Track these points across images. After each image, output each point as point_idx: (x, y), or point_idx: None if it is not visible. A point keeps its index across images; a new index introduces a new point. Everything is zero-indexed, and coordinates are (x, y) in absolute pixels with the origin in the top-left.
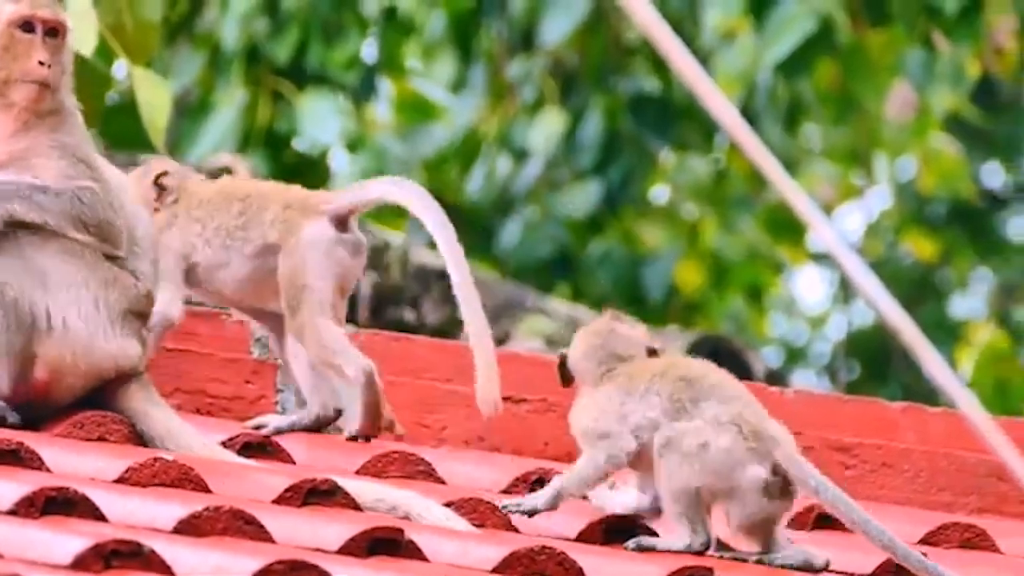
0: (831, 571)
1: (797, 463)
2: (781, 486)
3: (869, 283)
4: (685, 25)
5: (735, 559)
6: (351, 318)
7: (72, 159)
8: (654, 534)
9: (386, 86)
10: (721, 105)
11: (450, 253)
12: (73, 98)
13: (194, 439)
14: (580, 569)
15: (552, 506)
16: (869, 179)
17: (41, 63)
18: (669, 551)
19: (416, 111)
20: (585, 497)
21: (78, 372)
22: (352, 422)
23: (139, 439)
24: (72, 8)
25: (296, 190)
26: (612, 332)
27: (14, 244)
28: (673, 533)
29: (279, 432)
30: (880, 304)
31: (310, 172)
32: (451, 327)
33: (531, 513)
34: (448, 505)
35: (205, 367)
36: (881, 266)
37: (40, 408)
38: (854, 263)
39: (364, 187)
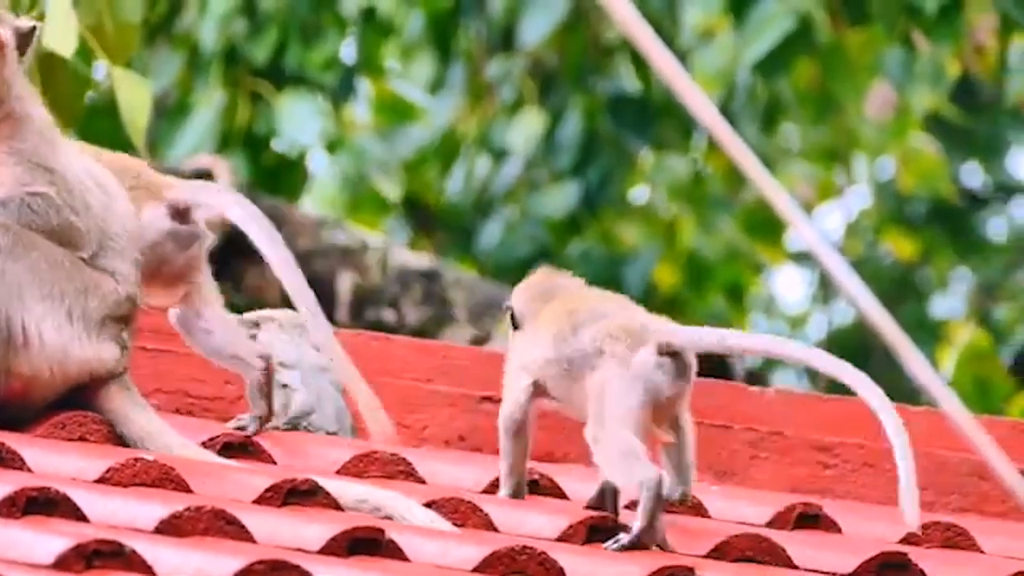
0: (815, 571)
1: (679, 333)
2: (674, 365)
3: (850, 282)
4: (664, 24)
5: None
6: (331, 318)
7: (28, 165)
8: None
9: (365, 87)
10: (701, 104)
11: (284, 273)
12: (30, 101)
13: (174, 440)
14: (561, 569)
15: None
16: (848, 179)
17: None
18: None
19: (395, 112)
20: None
21: (53, 382)
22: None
23: (120, 440)
24: (52, 9)
25: (149, 171)
26: (547, 279)
27: None
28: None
29: (258, 432)
30: (861, 303)
31: (289, 173)
32: (431, 327)
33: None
34: (429, 505)
35: (185, 367)
36: (861, 265)
37: (16, 411)
38: (835, 262)
39: (200, 188)
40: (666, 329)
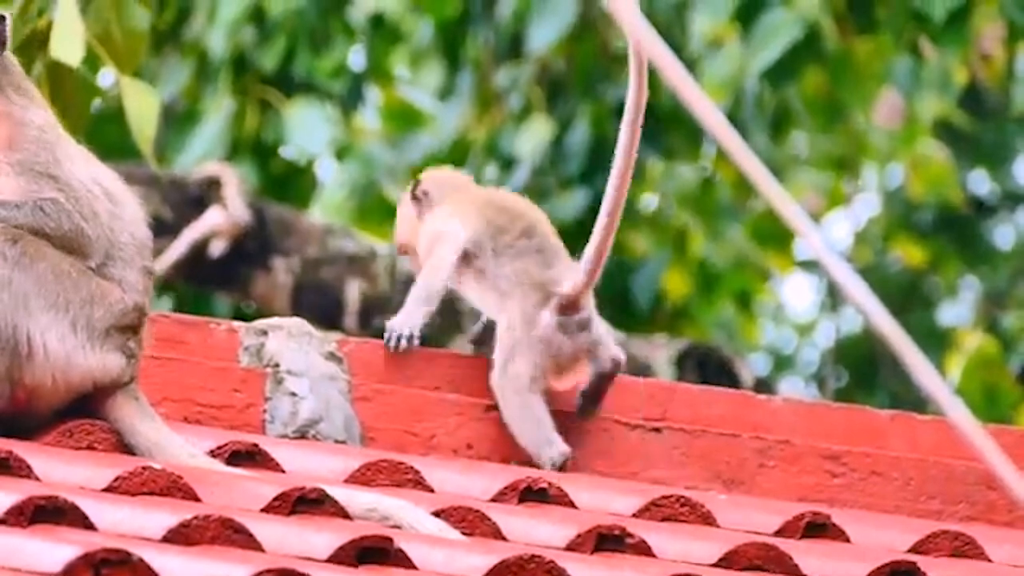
0: None
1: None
2: (574, 321)
3: (858, 290)
4: (672, 32)
5: None
6: (339, 326)
7: (31, 174)
8: (644, 546)
9: (373, 94)
10: (708, 112)
11: None
12: (26, 103)
13: (182, 451)
14: None
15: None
16: (857, 186)
17: None
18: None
19: (403, 119)
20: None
21: (57, 391)
22: None
23: (128, 448)
24: (59, 17)
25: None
26: (461, 176)
27: (0, 264)
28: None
29: None
30: (869, 311)
31: (298, 181)
32: (439, 336)
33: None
34: (437, 514)
35: (193, 375)
36: (869, 273)
37: (22, 420)
38: (842, 270)
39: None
40: (565, 284)
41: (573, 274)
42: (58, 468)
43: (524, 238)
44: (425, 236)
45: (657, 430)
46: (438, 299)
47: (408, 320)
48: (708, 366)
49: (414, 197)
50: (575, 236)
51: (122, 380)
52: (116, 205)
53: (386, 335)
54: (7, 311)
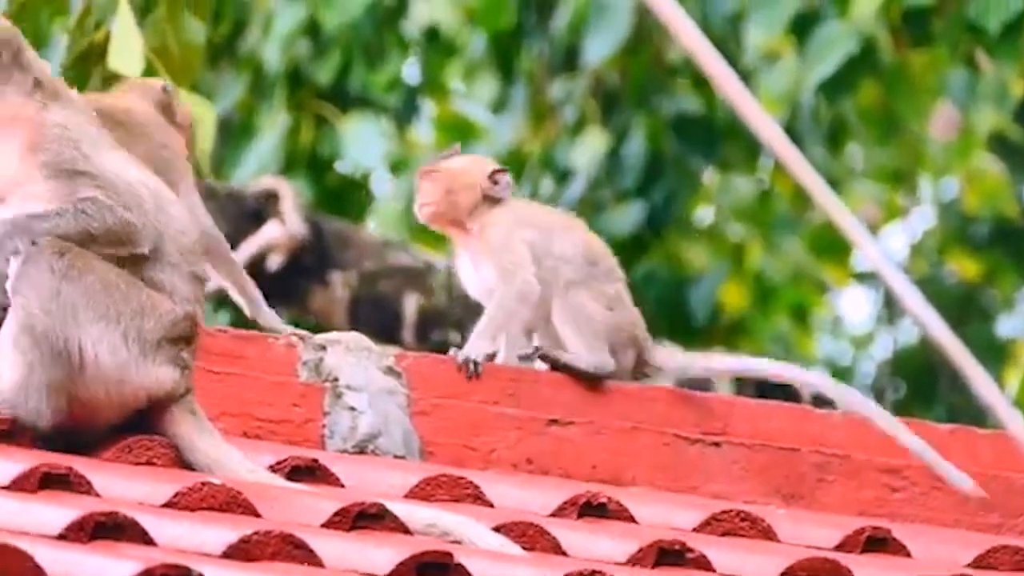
0: None
1: None
2: None
3: (916, 302)
4: (728, 45)
5: None
6: (397, 339)
7: (63, 175)
8: (704, 560)
9: (428, 107)
10: (765, 125)
11: None
12: (48, 107)
13: (241, 467)
14: None
15: None
16: (913, 199)
17: None
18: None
19: (458, 132)
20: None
21: (111, 405)
22: None
23: (187, 464)
24: (117, 30)
25: None
26: None
27: (48, 277)
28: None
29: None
30: (927, 323)
31: (353, 194)
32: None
33: None
34: (497, 529)
35: (252, 390)
36: (925, 285)
37: (79, 435)
38: (900, 282)
39: None
40: None
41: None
42: (118, 484)
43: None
44: (494, 232)
45: (717, 444)
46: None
47: (478, 346)
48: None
49: (494, 181)
50: (631, 249)
51: (177, 393)
52: (161, 201)
53: (459, 359)
54: (57, 323)
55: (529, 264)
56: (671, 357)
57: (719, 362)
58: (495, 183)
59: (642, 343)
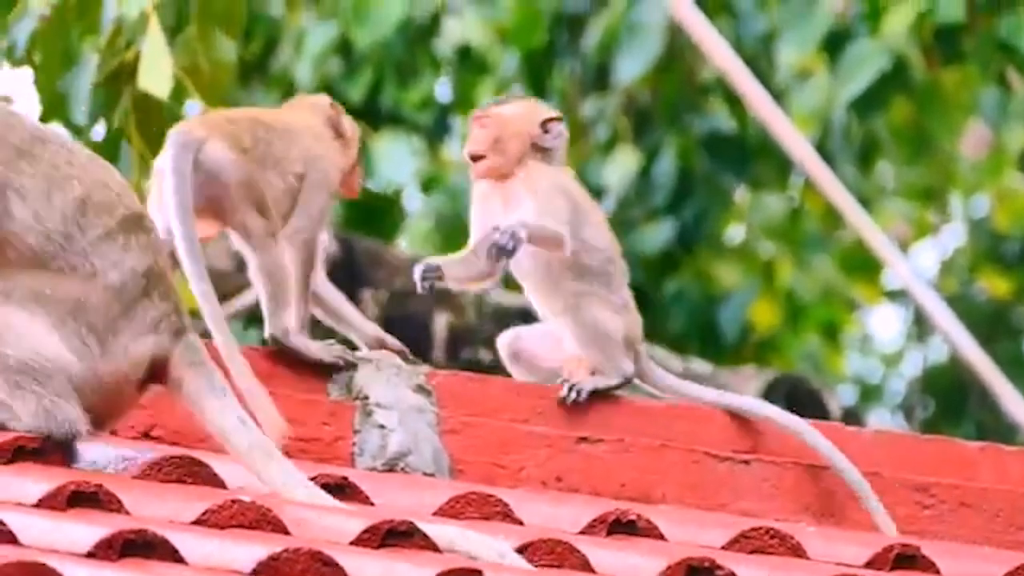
0: None
1: None
2: None
3: (946, 319)
4: (760, 64)
5: None
6: (427, 358)
7: None
8: None
9: (460, 125)
10: (797, 143)
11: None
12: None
13: (244, 438)
14: None
15: None
16: (944, 216)
17: None
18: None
19: None
20: None
21: (115, 405)
22: None
23: (217, 480)
24: (147, 49)
25: None
26: None
27: None
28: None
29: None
30: (957, 341)
31: (385, 212)
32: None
33: None
34: (526, 547)
35: (282, 408)
36: (955, 303)
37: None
38: (931, 300)
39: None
40: None
41: None
42: (147, 501)
43: None
44: (540, 181)
45: (746, 462)
46: None
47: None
48: (796, 397)
49: (545, 130)
50: (662, 267)
51: (165, 355)
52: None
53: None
54: (14, 352)
55: (565, 224)
56: (663, 378)
57: (702, 392)
58: (546, 131)
59: (638, 350)
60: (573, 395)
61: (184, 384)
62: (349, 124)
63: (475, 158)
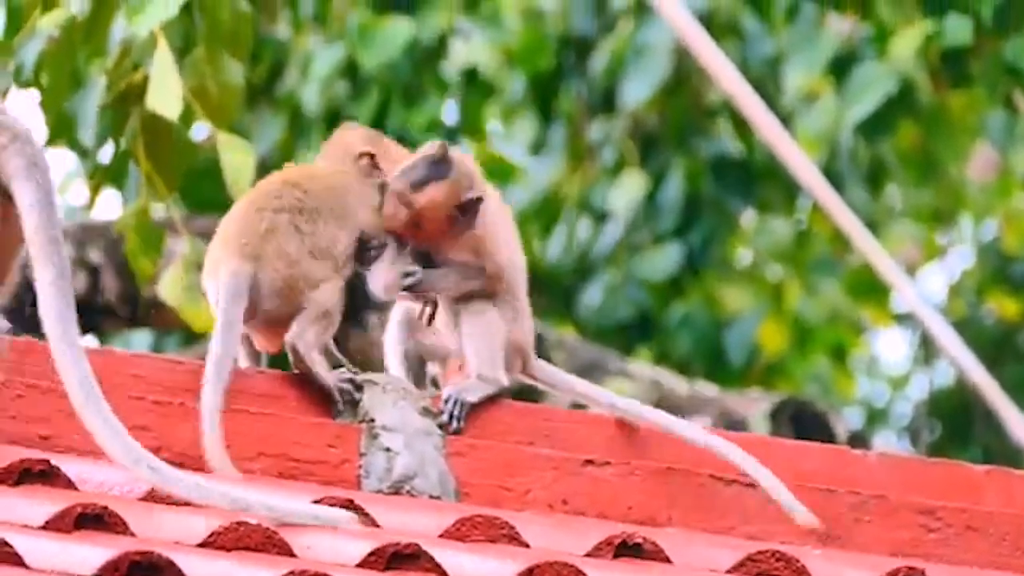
0: None
1: None
2: None
3: (953, 342)
4: (767, 87)
5: None
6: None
7: None
8: None
9: (466, 149)
10: (804, 166)
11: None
12: None
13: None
14: None
15: None
16: (953, 239)
17: None
18: None
19: (496, 173)
20: None
21: None
22: None
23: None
24: (156, 71)
25: None
26: None
27: None
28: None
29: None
30: (964, 364)
31: None
32: (534, 390)
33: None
34: (532, 570)
35: (288, 431)
36: (963, 326)
37: None
38: (938, 322)
39: None
40: None
41: None
42: (153, 523)
43: None
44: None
45: (753, 485)
46: None
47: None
48: (803, 420)
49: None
50: (669, 291)
51: None
52: None
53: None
54: None
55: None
56: (553, 376)
57: (589, 389)
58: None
59: (528, 355)
60: (454, 425)
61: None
62: (394, 151)
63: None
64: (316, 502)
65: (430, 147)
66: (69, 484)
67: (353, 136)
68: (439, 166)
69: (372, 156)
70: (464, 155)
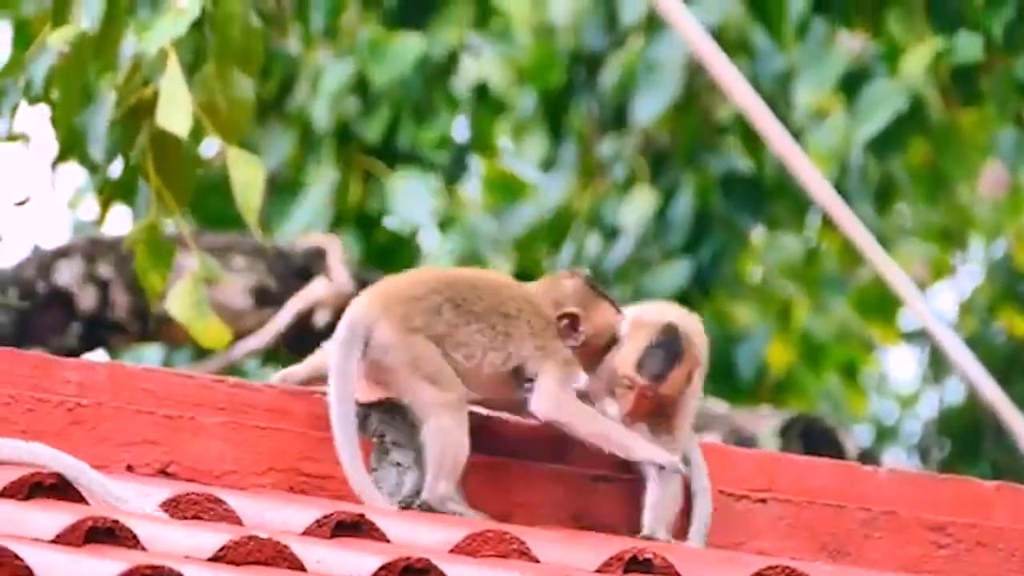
0: None
1: None
2: None
3: (964, 359)
4: (776, 103)
5: None
6: None
7: None
8: None
9: (477, 165)
10: (816, 182)
11: None
12: None
13: None
14: None
15: None
16: (963, 257)
17: None
18: None
19: (506, 190)
20: None
21: None
22: None
23: (233, 517)
24: (165, 87)
25: None
26: None
27: None
28: None
29: None
30: (975, 380)
31: (401, 251)
32: None
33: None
34: None
35: (298, 445)
36: (974, 343)
37: None
38: (949, 339)
39: None
40: None
41: None
42: (164, 537)
43: None
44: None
45: (763, 501)
46: None
47: None
48: (812, 437)
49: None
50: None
51: None
52: None
53: None
54: None
55: None
56: None
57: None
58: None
59: None
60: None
61: None
62: (603, 311)
63: None
64: (326, 517)
65: (657, 322)
66: (80, 498)
67: (568, 287)
68: (671, 346)
69: (575, 318)
70: (686, 315)
